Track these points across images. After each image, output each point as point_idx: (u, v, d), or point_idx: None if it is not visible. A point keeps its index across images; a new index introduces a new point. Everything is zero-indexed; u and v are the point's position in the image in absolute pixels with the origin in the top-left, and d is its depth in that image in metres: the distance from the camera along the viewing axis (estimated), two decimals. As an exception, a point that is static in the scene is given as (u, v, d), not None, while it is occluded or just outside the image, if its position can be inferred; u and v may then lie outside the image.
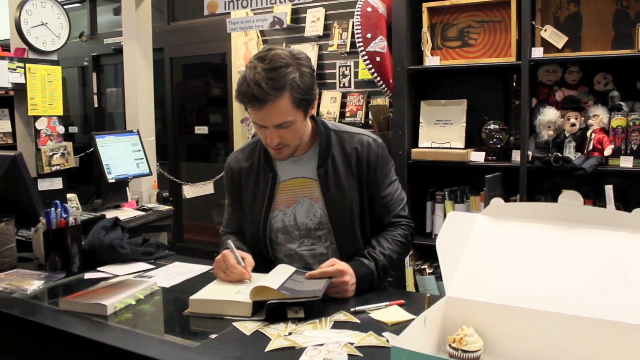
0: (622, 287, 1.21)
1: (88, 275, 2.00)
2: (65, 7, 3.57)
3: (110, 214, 3.13)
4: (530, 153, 2.97)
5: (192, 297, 1.62)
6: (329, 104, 4.19)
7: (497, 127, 3.13)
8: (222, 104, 5.47)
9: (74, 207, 3.29)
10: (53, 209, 2.03)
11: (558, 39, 3.00)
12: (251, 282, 1.72)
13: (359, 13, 3.51)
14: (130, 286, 1.77)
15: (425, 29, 3.24)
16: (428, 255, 3.36)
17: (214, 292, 1.66)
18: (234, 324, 1.51)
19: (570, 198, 1.38)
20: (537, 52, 2.94)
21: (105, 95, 6.43)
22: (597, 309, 1.20)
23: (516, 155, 3.05)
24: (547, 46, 3.00)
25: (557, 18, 3.03)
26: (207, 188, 4.70)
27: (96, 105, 6.44)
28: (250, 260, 1.80)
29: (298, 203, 1.89)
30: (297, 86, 1.69)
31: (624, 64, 2.94)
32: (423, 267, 3.31)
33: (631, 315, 1.16)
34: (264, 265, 1.88)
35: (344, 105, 4.17)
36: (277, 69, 1.67)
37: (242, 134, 4.79)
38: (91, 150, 3.64)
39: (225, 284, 1.73)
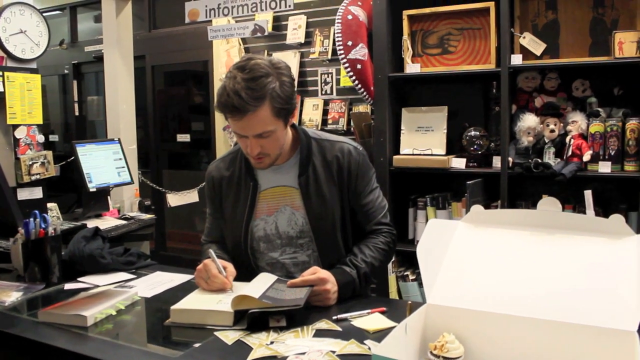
0: (601, 292, 1.23)
1: (68, 286, 1.99)
2: (45, 14, 3.54)
3: (91, 223, 3.10)
4: (510, 159, 3.00)
5: (173, 307, 1.62)
6: (310, 111, 4.20)
7: (478, 133, 3.16)
8: (204, 111, 5.45)
9: (54, 217, 3.25)
10: (32, 219, 2.01)
11: (536, 46, 3.03)
12: (232, 291, 1.72)
13: (340, 20, 3.52)
14: (110, 296, 1.76)
15: (405, 36, 3.26)
16: (410, 261, 3.37)
17: (195, 302, 1.66)
18: (216, 333, 1.50)
19: (549, 204, 1.39)
20: (516, 59, 2.98)
21: (86, 103, 6.38)
22: (577, 313, 1.21)
23: (496, 161, 3.08)
24: (526, 53, 3.04)
25: (535, 25, 3.07)
26: (191, 196, 4.68)
27: (77, 113, 6.38)
28: (231, 269, 1.79)
29: (279, 211, 1.89)
30: (277, 95, 1.69)
31: (601, 71, 2.99)
32: (405, 273, 3.32)
33: (610, 320, 1.18)
34: (246, 273, 1.87)
35: (325, 112, 4.18)
36: (257, 78, 1.67)
37: (224, 142, 4.79)
38: (72, 158, 3.60)
39: (206, 293, 1.72)
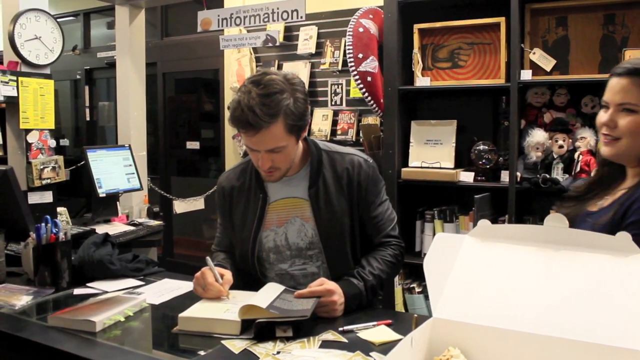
0: (607, 310, 1.23)
1: (77, 291, 2.01)
2: (59, 20, 3.59)
3: (100, 228, 3.13)
4: (518, 174, 3.01)
5: (180, 315, 1.63)
6: (320, 122, 4.21)
7: (486, 147, 3.17)
8: (214, 119, 5.48)
9: (63, 221, 3.28)
10: (43, 224, 2.03)
11: (546, 62, 3.05)
12: (229, 298, 1.74)
13: (351, 33, 3.55)
14: (119, 302, 1.78)
15: (416, 49, 3.28)
16: (417, 273, 3.38)
17: (202, 310, 1.67)
18: (223, 341, 1.52)
19: (556, 220, 1.40)
20: (526, 74, 2.99)
21: (97, 108, 6.43)
22: (583, 331, 1.22)
23: (505, 176, 3.08)
24: (536, 68, 3.05)
25: (545, 41, 3.08)
26: (197, 203, 4.70)
27: (88, 118, 6.43)
28: (228, 277, 1.80)
29: (289, 223, 1.90)
30: (291, 112, 1.71)
31: (611, 88, 2.99)
32: (412, 285, 3.32)
33: (616, 338, 1.18)
34: (253, 284, 1.89)
35: (335, 123, 4.19)
36: (272, 94, 1.68)
37: (234, 150, 4.81)
38: (82, 163, 3.64)
39: (213, 302, 1.73)
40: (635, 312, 1.21)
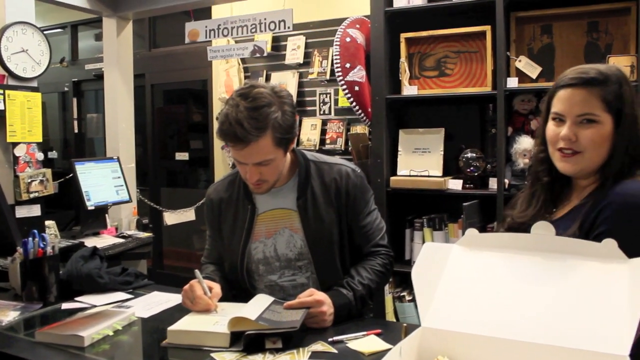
0: (594, 316, 1.24)
1: (65, 305, 1.99)
2: (47, 32, 3.57)
3: (89, 241, 3.12)
4: (506, 181, 3.02)
5: (169, 328, 1.62)
6: (309, 131, 4.23)
7: (474, 155, 3.18)
8: (203, 129, 5.48)
9: (51, 235, 3.26)
10: (30, 238, 2.02)
11: (532, 69, 3.07)
12: (217, 312, 1.73)
13: (338, 43, 3.57)
14: (107, 316, 1.77)
15: (402, 58, 3.29)
16: (407, 282, 3.38)
17: (191, 323, 1.66)
18: (212, 354, 1.51)
19: (543, 228, 1.41)
20: (512, 82, 3.01)
21: (85, 120, 6.41)
22: (570, 337, 1.22)
23: (493, 183, 3.09)
24: (522, 76, 3.08)
25: (530, 49, 3.11)
26: (188, 214, 4.68)
27: (76, 131, 6.40)
28: (217, 290, 1.80)
29: (278, 234, 1.90)
30: (279, 125, 1.71)
31: (596, 94, 3.01)
32: (402, 294, 3.32)
33: (603, 344, 1.19)
34: (243, 295, 1.89)
35: (323, 132, 4.21)
36: (260, 107, 1.68)
37: (223, 160, 4.81)
38: (70, 175, 3.62)
39: (202, 315, 1.73)
40: (620, 317, 1.22)
